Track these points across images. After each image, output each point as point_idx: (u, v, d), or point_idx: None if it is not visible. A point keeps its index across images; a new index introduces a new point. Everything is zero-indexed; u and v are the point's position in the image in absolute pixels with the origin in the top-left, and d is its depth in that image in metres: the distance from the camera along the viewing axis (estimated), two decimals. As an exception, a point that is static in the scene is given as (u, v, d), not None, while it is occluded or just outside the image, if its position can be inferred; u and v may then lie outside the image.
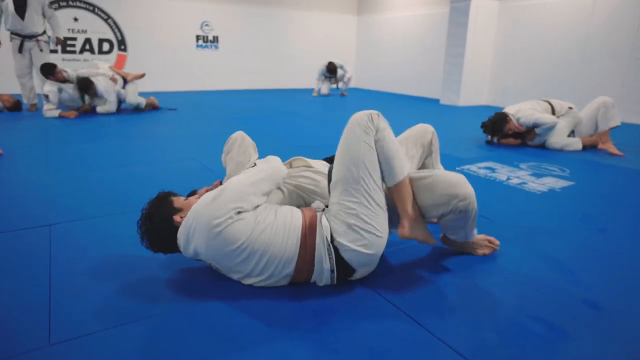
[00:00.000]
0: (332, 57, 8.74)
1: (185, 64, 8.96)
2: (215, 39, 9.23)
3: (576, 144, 3.94)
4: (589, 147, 4.01)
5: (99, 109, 5.32)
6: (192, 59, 9.04)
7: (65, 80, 5.08)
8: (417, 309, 1.39)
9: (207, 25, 9.07)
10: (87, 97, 5.24)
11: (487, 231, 1.94)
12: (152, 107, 5.88)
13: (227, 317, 1.34)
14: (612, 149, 3.82)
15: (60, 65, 7.61)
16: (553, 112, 3.95)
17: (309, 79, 9.81)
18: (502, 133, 4.02)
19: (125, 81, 5.56)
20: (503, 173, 3.12)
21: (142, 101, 5.66)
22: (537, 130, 3.96)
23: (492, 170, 3.21)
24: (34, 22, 5.28)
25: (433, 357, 1.17)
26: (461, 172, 3.12)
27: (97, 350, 1.17)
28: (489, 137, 4.19)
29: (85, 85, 5.07)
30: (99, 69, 5.44)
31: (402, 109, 7.07)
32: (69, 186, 2.63)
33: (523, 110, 3.94)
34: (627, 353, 1.21)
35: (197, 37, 9.03)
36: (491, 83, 7.77)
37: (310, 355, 1.16)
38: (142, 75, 5.72)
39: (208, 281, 1.54)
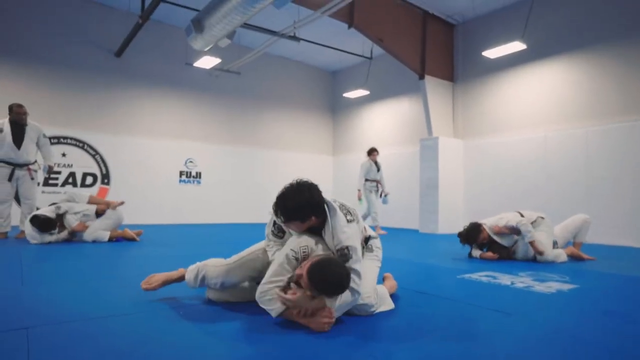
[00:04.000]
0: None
1: (168, 198, 9.07)
2: (198, 175, 9.57)
3: (563, 255, 4.02)
4: (572, 258, 4.21)
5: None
6: (175, 193, 9.20)
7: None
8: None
9: (191, 162, 9.50)
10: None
11: (508, 325, 1.82)
12: (129, 238, 5.32)
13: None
14: (585, 255, 4.22)
15: (39, 196, 7.58)
16: (523, 220, 4.15)
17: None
18: (476, 242, 4.12)
19: (99, 215, 5.16)
20: (505, 279, 3.06)
21: (102, 237, 5.09)
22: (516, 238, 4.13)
23: (494, 277, 3.15)
24: (28, 151, 5.37)
25: None
26: (462, 280, 3.05)
27: None
28: (470, 250, 4.26)
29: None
30: (75, 206, 5.09)
31: (385, 239, 7.16)
32: (49, 296, 2.37)
33: (491, 220, 4.18)
34: None
35: (181, 173, 9.35)
36: (466, 210, 8.14)
37: None
38: (121, 203, 5.34)
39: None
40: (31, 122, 5.47)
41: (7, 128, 5.25)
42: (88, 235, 5.02)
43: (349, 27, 7.22)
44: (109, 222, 5.17)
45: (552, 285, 2.85)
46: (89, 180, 8.28)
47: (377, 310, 2.03)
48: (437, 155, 7.93)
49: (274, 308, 1.82)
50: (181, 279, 2.29)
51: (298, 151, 11.17)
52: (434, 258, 4.34)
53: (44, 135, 5.57)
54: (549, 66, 7.14)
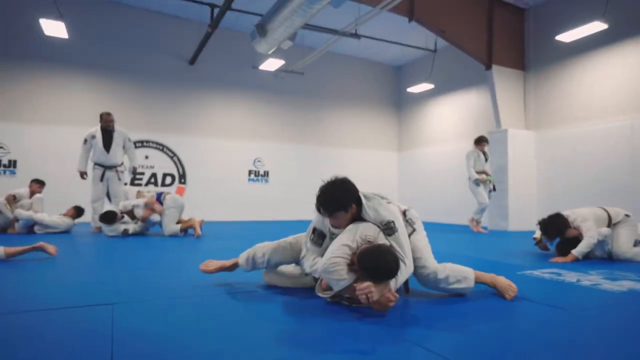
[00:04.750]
0: (377, 189, 9.11)
1: (238, 196, 9.59)
2: (266, 174, 10.00)
3: (646, 254, 3.69)
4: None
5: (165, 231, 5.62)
6: (244, 191, 9.71)
7: (121, 217, 5.52)
8: None
9: (259, 161, 9.95)
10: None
11: (563, 318, 1.77)
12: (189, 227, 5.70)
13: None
14: None
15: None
16: (609, 219, 3.81)
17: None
18: (562, 235, 3.78)
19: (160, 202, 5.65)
20: (571, 277, 2.91)
21: (176, 230, 5.57)
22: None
23: (558, 274, 3.00)
24: (116, 154, 6.03)
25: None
26: (522, 276, 2.95)
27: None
28: (544, 239, 3.99)
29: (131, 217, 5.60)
30: (131, 201, 5.70)
31: (448, 235, 7.00)
32: (130, 280, 2.70)
33: (576, 213, 3.82)
34: None
35: (250, 172, 9.84)
36: (540, 207, 7.67)
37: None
38: (155, 202, 5.62)
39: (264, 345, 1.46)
40: (118, 127, 6.11)
41: (98, 134, 5.93)
42: (166, 232, 5.56)
43: (409, 20, 7.13)
44: (173, 210, 5.61)
45: (625, 284, 2.66)
46: (168, 180, 9.01)
47: (454, 286, 2.13)
48: (507, 149, 7.56)
49: (344, 278, 1.85)
50: (234, 267, 2.55)
51: (363, 148, 11.21)
52: (497, 254, 4.20)
53: (129, 140, 6.19)
54: (631, 47, 6.50)
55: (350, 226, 2.04)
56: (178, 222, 5.67)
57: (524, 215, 7.60)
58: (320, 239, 2.15)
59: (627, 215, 3.86)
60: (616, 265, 3.44)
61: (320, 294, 2.06)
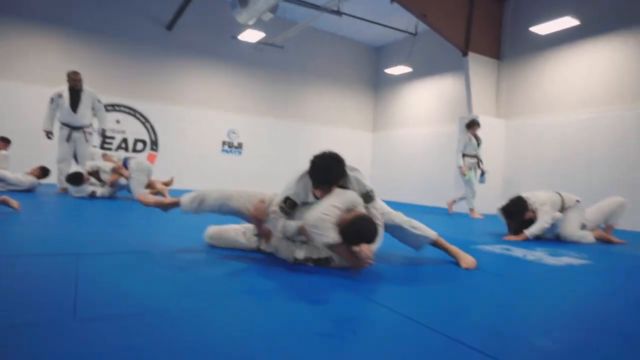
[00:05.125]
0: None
1: (210, 166, 9.56)
2: (240, 145, 9.98)
3: (589, 237, 3.98)
4: (600, 241, 4.13)
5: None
6: (217, 162, 9.67)
7: (88, 179, 5.47)
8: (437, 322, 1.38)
9: (233, 133, 9.90)
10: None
11: (503, 284, 1.94)
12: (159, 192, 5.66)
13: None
14: (615, 239, 4.16)
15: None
16: (563, 203, 4.07)
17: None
18: (521, 218, 4.02)
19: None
20: (518, 252, 3.13)
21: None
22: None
23: (508, 249, 3.22)
24: (84, 115, 5.89)
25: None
26: (475, 250, 3.14)
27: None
28: (506, 223, 4.22)
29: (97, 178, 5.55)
30: (98, 163, 5.64)
31: (413, 215, 7.24)
32: (96, 235, 2.74)
33: (536, 196, 4.07)
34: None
35: (224, 143, 9.79)
36: (504, 192, 8.00)
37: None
38: (120, 167, 5.56)
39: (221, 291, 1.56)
40: (87, 88, 5.94)
41: (65, 94, 5.77)
42: (134, 196, 5.54)
43: (392, 1, 7.16)
44: (138, 174, 5.57)
45: (564, 260, 2.89)
46: (140, 146, 8.88)
47: (415, 231, 2.47)
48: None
49: (332, 236, 1.95)
50: (172, 206, 2.50)
51: (338, 126, 11.29)
52: (456, 232, 4.41)
53: (99, 101, 6.04)
54: (603, 44, 6.76)
55: (338, 190, 2.16)
56: (148, 186, 5.66)
57: (488, 200, 7.90)
58: (291, 208, 2.21)
59: (577, 201, 4.13)
60: (561, 245, 3.70)
61: (263, 248, 2.27)
